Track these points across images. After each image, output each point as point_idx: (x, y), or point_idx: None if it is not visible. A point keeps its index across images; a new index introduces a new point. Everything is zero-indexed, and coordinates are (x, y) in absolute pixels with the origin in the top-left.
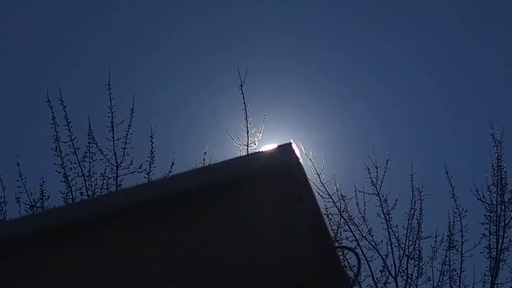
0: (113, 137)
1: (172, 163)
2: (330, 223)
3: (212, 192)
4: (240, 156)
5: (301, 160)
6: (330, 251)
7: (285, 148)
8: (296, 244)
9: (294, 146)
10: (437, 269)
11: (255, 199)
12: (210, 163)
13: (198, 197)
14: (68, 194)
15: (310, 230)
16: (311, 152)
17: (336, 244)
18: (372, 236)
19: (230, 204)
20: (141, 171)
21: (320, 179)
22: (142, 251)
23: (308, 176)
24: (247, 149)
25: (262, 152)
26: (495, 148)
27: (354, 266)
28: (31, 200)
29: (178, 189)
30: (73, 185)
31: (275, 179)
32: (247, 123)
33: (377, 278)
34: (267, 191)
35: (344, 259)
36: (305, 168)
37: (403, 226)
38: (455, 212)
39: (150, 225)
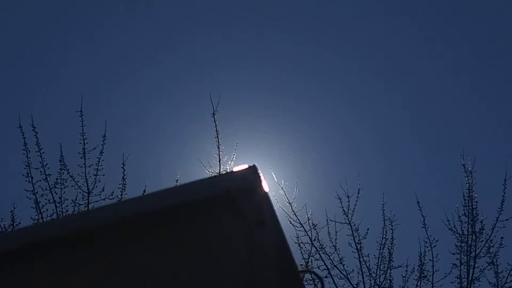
0: (84, 164)
1: (144, 190)
2: (301, 252)
3: (175, 213)
4: (204, 178)
5: (264, 183)
6: (292, 274)
7: (249, 171)
8: (259, 267)
9: (258, 169)
10: None
11: (217, 221)
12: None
13: (159, 219)
14: (39, 220)
15: (273, 253)
16: (283, 181)
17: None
18: (343, 265)
19: (192, 225)
20: (113, 198)
21: (292, 208)
22: (105, 271)
23: (271, 199)
24: None
25: (226, 174)
26: (467, 178)
27: None
28: (2, 226)
29: (136, 211)
30: (44, 212)
31: (238, 202)
32: (219, 151)
33: None
34: (230, 214)
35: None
36: (268, 190)
37: (374, 255)
38: (426, 242)
39: (113, 247)
